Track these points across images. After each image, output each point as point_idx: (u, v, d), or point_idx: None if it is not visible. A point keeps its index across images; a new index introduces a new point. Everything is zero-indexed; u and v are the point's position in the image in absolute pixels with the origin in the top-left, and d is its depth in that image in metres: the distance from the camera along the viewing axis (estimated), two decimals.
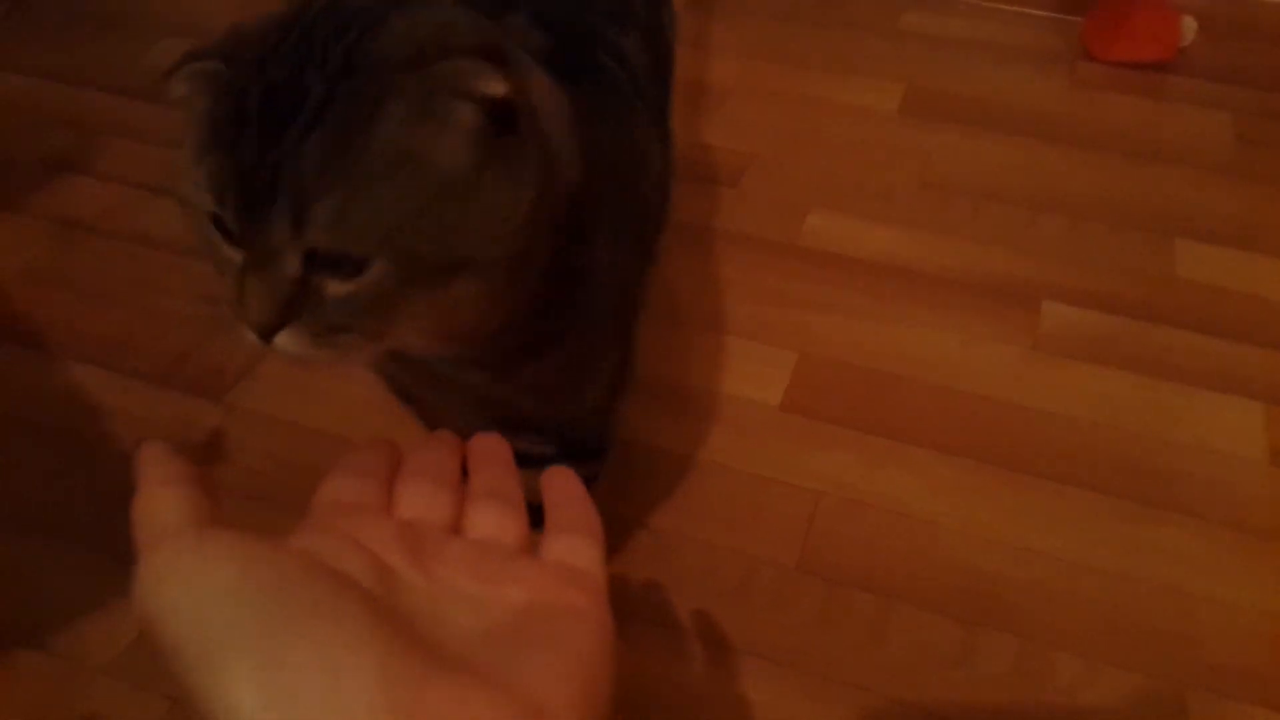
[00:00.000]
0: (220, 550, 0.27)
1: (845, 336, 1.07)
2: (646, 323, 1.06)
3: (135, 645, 0.81)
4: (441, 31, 0.44)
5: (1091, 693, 0.79)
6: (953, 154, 1.33)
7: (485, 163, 0.44)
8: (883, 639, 0.82)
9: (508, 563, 0.34)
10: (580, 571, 0.35)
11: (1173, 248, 1.18)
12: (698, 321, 1.08)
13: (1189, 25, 1.50)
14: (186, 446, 0.95)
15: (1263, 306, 1.11)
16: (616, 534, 0.89)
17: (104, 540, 0.88)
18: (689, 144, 1.33)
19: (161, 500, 0.30)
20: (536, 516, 0.38)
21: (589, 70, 0.66)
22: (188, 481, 0.31)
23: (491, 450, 0.40)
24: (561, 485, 0.40)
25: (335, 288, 0.43)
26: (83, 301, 1.11)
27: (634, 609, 0.84)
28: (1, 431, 0.97)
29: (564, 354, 0.61)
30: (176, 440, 0.95)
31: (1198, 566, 0.87)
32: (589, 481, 0.75)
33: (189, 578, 0.27)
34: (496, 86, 0.43)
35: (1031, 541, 0.89)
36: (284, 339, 0.44)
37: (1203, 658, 0.81)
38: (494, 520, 0.36)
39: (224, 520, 0.30)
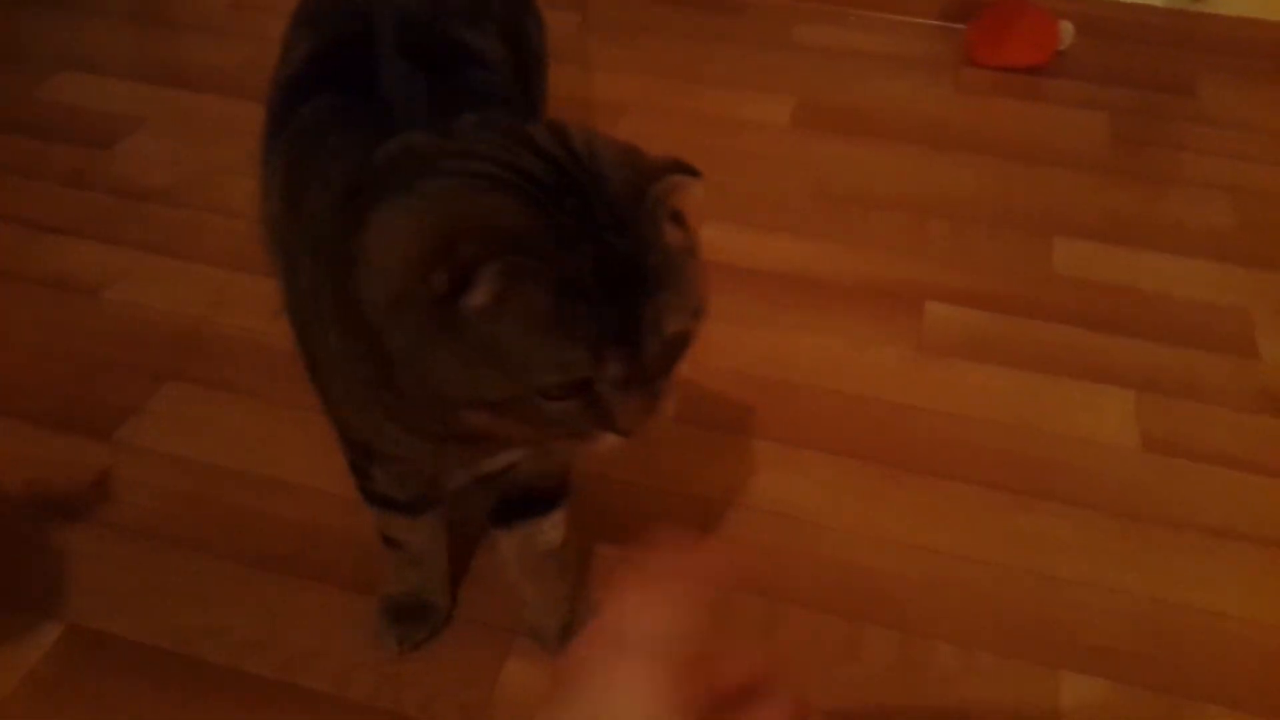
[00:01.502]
0: (657, 690, 0.29)
1: (737, 345, 1.09)
2: None
3: (19, 692, 0.79)
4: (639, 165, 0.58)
5: (972, 679, 0.82)
6: (843, 163, 1.36)
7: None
8: (771, 638, 0.84)
9: None
10: None
11: (1050, 245, 1.23)
12: None
13: (1067, 29, 1.55)
14: (75, 486, 0.94)
15: (1136, 298, 1.16)
16: None
17: None
18: None
19: (654, 614, 0.31)
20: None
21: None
22: (690, 597, 0.31)
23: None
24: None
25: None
26: None
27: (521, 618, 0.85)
28: None
29: None
30: (64, 480, 0.94)
31: (1075, 553, 0.91)
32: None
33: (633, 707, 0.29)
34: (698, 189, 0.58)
35: (916, 537, 0.92)
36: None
37: (1075, 639, 0.84)
38: None
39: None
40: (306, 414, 0.73)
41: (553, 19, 0.91)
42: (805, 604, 0.87)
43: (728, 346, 1.09)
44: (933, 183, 1.33)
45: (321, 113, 0.67)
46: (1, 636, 0.82)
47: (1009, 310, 1.14)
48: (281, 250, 0.68)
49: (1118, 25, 1.67)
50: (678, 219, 0.58)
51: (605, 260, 0.51)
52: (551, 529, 0.81)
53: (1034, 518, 0.94)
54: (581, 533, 0.91)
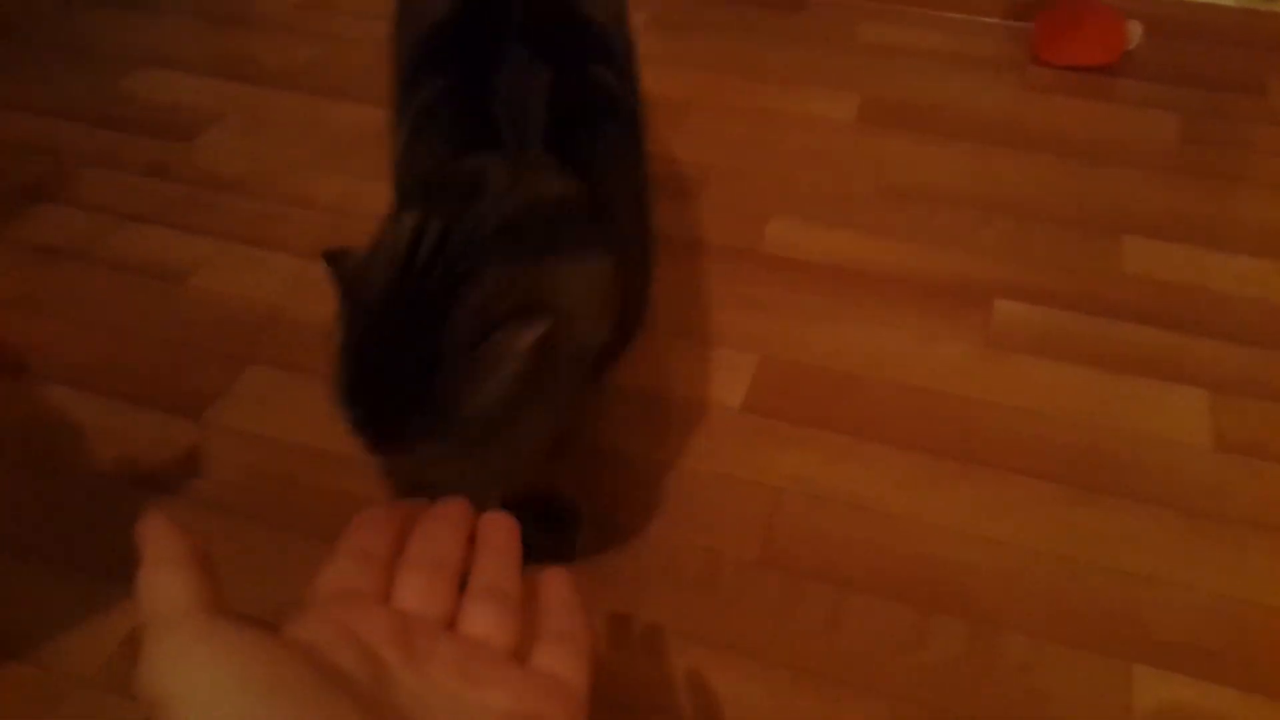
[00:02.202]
0: (226, 642, 0.29)
1: (804, 338, 1.10)
2: None
3: (116, 658, 0.83)
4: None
5: (1043, 670, 0.82)
6: (908, 160, 1.37)
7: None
8: (840, 627, 0.85)
9: (496, 667, 0.35)
10: (565, 684, 0.36)
11: (1120, 244, 1.22)
12: (661, 327, 1.12)
13: (1135, 29, 1.54)
14: (165, 463, 0.97)
15: (1207, 298, 1.15)
16: (584, 537, 0.91)
17: (84, 557, 0.90)
18: (652, 157, 1.36)
19: (166, 581, 0.31)
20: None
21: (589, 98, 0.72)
22: (191, 561, 0.32)
23: (499, 535, 0.41)
24: (556, 589, 0.40)
25: None
26: (61, 326, 1.13)
27: (601, 602, 0.86)
28: None
29: None
30: (154, 456, 0.98)
31: (1146, 549, 0.91)
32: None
33: (196, 668, 0.28)
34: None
35: (983, 529, 0.92)
36: None
37: (1149, 635, 0.84)
38: (489, 620, 0.36)
39: (224, 603, 0.31)
40: None
41: None
42: (874, 592, 0.87)
43: (793, 339, 1.10)
44: (1000, 180, 1.33)
45: (435, 98, 0.69)
46: (101, 603, 0.86)
47: (1078, 308, 1.14)
48: None
49: (1187, 24, 1.65)
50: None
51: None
52: None
53: (1104, 514, 0.94)
54: (646, 519, 0.93)
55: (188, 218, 1.27)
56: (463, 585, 0.39)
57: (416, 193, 0.62)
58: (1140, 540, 0.92)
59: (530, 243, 0.61)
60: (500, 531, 0.41)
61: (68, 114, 1.46)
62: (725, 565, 0.89)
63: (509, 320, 0.58)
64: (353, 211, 1.26)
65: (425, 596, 0.36)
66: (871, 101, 1.48)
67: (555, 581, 0.41)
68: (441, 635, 0.35)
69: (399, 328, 0.58)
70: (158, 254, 1.21)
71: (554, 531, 0.87)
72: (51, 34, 1.67)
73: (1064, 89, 1.50)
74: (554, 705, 0.34)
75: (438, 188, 0.62)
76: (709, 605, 0.86)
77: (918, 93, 1.50)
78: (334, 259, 0.61)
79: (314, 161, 1.37)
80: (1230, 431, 1.01)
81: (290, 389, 1.04)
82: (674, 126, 1.43)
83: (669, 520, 0.93)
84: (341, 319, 0.60)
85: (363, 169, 1.31)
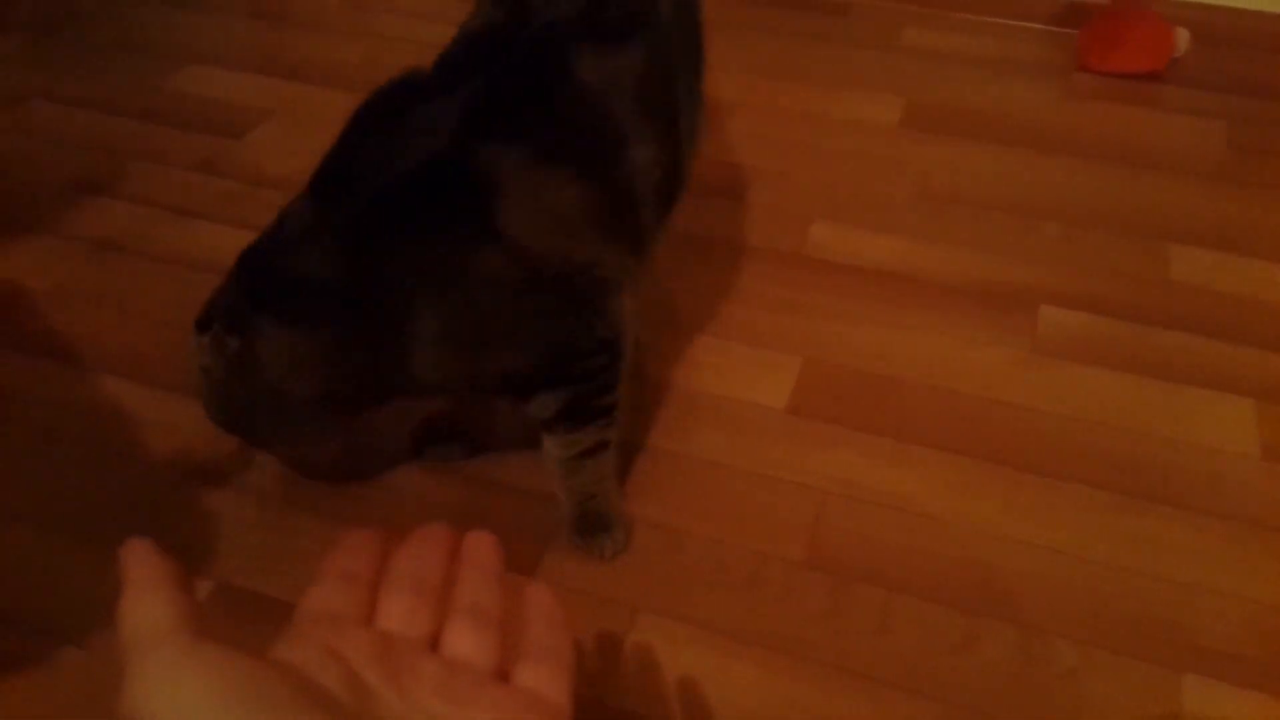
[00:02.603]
0: (209, 664, 0.30)
1: (849, 341, 1.11)
2: (657, 330, 1.10)
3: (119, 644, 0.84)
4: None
5: (1091, 676, 0.82)
6: (952, 165, 1.37)
7: None
8: (889, 629, 0.85)
9: (478, 687, 0.35)
10: (548, 703, 0.36)
11: (1166, 252, 1.22)
12: (706, 328, 1.12)
13: (1182, 36, 1.53)
14: (215, 454, 0.99)
15: (1254, 307, 1.15)
16: (630, 534, 0.92)
17: None
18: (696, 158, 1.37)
19: (149, 604, 0.32)
20: None
21: None
22: (174, 584, 0.33)
23: (482, 554, 0.41)
24: (539, 604, 0.40)
25: None
26: (112, 317, 1.15)
27: (647, 601, 0.87)
28: (38, 441, 1.01)
29: None
30: (205, 447, 0.99)
31: (1193, 557, 0.91)
32: (599, 450, 0.86)
33: (179, 690, 0.29)
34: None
35: (1030, 535, 0.92)
36: None
37: (1196, 643, 0.84)
38: (471, 640, 0.37)
39: (207, 625, 0.32)
40: None
41: None
42: (921, 596, 0.88)
43: (837, 342, 1.10)
44: (1044, 186, 1.33)
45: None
46: None
47: (1125, 316, 1.13)
48: None
49: (1235, 32, 1.64)
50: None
51: None
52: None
53: (1151, 521, 0.94)
54: (692, 518, 0.93)
55: (237, 213, 1.29)
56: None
57: None
58: (1188, 549, 0.91)
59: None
60: (483, 549, 0.41)
61: (119, 109, 1.49)
62: (772, 566, 0.90)
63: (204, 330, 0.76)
64: None
65: (408, 617, 0.37)
66: (915, 105, 1.48)
67: (539, 596, 0.41)
68: (424, 655, 0.35)
69: None
70: (207, 248, 1.23)
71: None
72: (103, 30, 1.69)
73: (1110, 96, 1.50)
74: None
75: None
76: (756, 605, 0.87)
77: (961, 97, 1.50)
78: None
79: None
80: (1277, 441, 1.00)
81: None
82: (718, 128, 1.44)
83: (715, 520, 0.93)
84: None
85: None
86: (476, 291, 0.72)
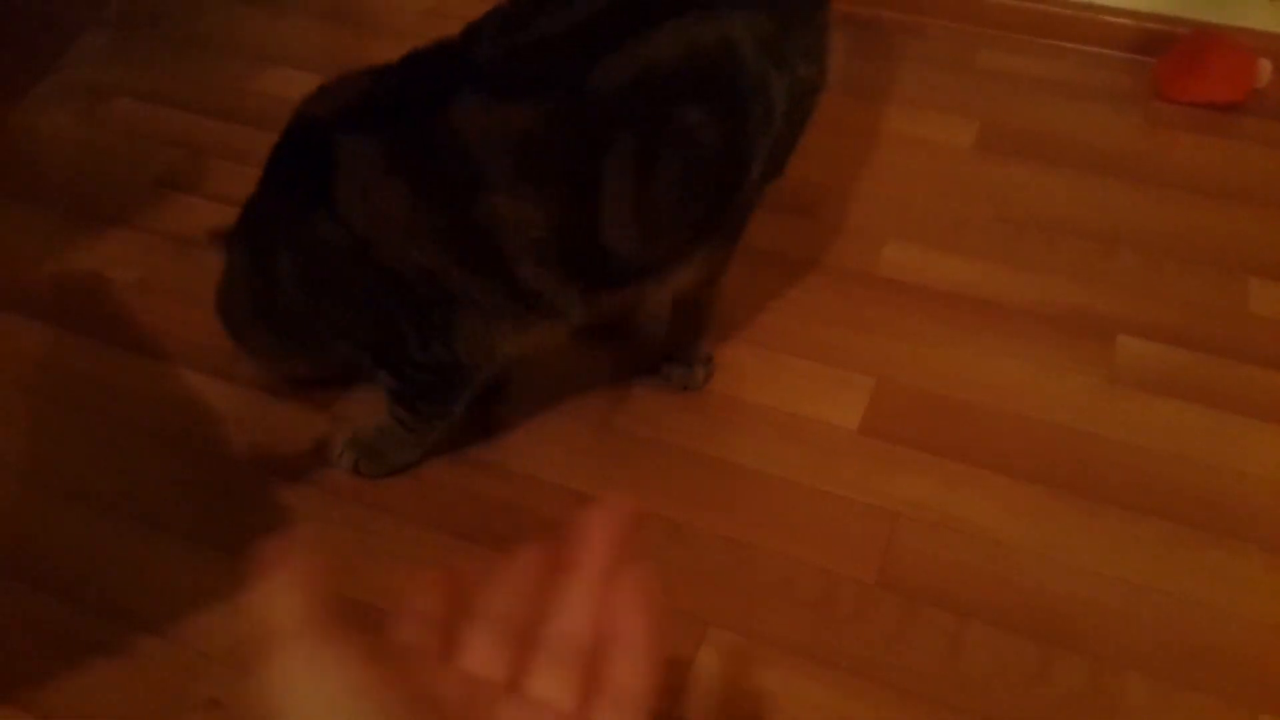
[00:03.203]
0: (340, 664, 0.30)
1: (922, 363, 1.10)
2: (730, 345, 1.11)
3: (247, 637, 0.86)
4: None
5: (1164, 713, 0.81)
6: (1027, 189, 1.36)
7: None
8: (959, 655, 0.85)
9: None
10: None
11: (1245, 285, 1.20)
12: (779, 346, 1.12)
13: (1264, 67, 1.51)
14: (297, 450, 1.00)
15: None
16: (702, 547, 0.93)
17: (218, 536, 0.94)
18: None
19: (288, 595, 0.32)
20: None
21: None
22: (314, 578, 0.33)
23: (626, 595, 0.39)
24: (630, 593, 0.39)
25: None
26: (193, 312, 1.17)
27: (718, 615, 0.87)
28: (121, 433, 1.04)
29: None
30: (279, 443, 1.01)
31: (1266, 594, 0.89)
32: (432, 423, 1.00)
33: (316, 687, 0.30)
34: None
35: (1103, 566, 0.91)
36: None
37: (1271, 683, 0.83)
38: (553, 680, 0.36)
39: (338, 617, 0.32)
40: None
41: None
42: (993, 623, 0.87)
43: (910, 364, 1.10)
44: (1121, 214, 1.31)
45: None
46: (234, 582, 0.88)
47: (1203, 348, 1.12)
48: None
49: None
50: None
51: None
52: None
53: (1228, 557, 0.92)
54: (763, 534, 0.93)
55: None
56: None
57: None
58: (1264, 586, 0.90)
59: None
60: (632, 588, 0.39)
61: (202, 108, 1.52)
62: (843, 586, 0.90)
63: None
64: None
65: (488, 657, 0.36)
66: (990, 128, 1.47)
67: (632, 583, 0.39)
68: (504, 701, 0.35)
69: None
70: None
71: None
72: (187, 28, 1.73)
73: (1188, 125, 1.48)
74: None
75: None
76: (826, 624, 0.87)
77: (1037, 121, 1.48)
78: None
79: None
80: None
81: None
82: None
83: (785, 537, 0.93)
84: None
85: None
86: (313, 247, 0.85)
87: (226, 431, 1.04)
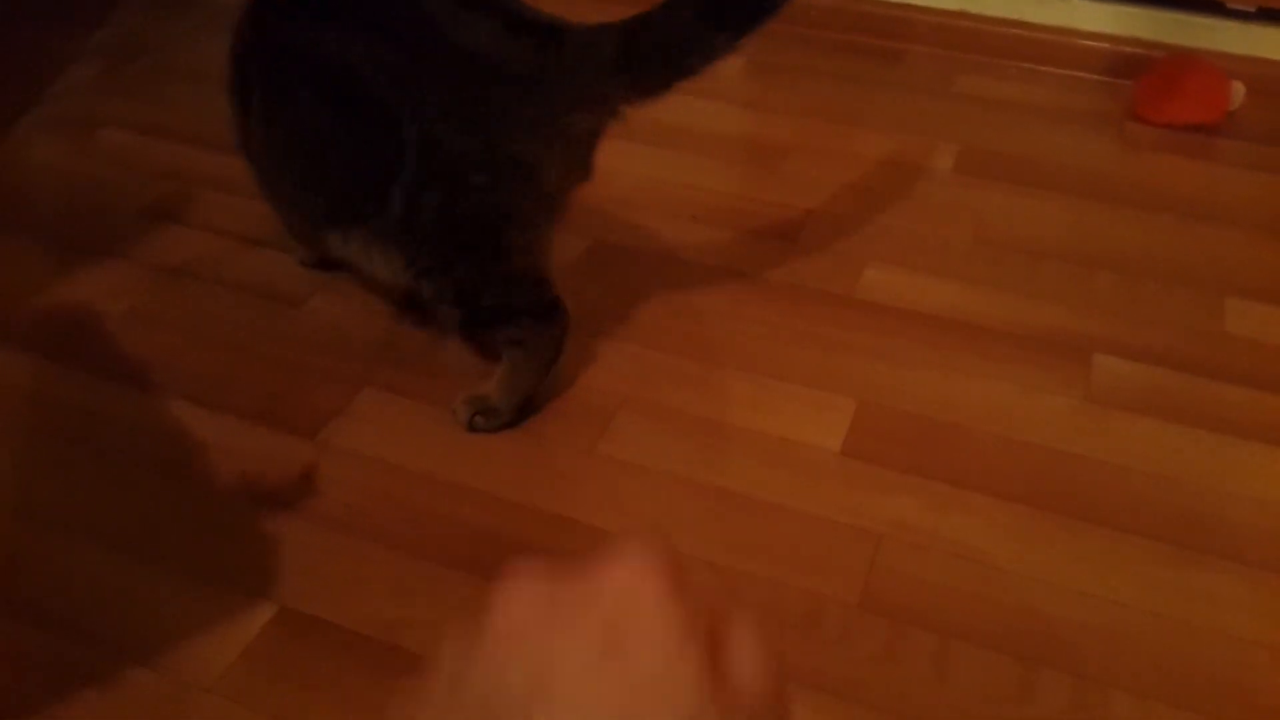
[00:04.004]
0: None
1: (903, 385, 1.11)
2: (711, 369, 1.12)
3: (237, 665, 0.86)
4: None
5: None
6: (1006, 212, 1.38)
7: None
8: (944, 676, 0.86)
9: None
10: None
11: (1222, 305, 1.22)
12: (761, 369, 1.14)
13: (1238, 90, 1.54)
14: (282, 479, 1.01)
15: None
16: (686, 570, 0.93)
17: (206, 567, 0.94)
18: (751, 199, 1.39)
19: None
20: None
21: None
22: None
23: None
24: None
25: None
26: (183, 342, 1.18)
27: None
28: (110, 464, 1.04)
29: None
30: (273, 473, 1.02)
31: (1249, 612, 0.90)
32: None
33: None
34: None
35: (1086, 585, 0.92)
36: None
37: (1256, 701, 0.84)
38: None
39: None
40: None
41: None
42: (977, 642, 0.88)
43: (891, 386, 1.11)
44: (1098, 236, 1.33)
45: None
46: (223, 612, 0.89)
47: (1180, 367, 1.14)
48: None
49: None
50: None
51: None
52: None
53: (1209, 575, 0.93)
54: (746, 557, 0.94)
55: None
56: None
57: None
58: (1246, 604, 0.91)
59: None
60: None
61: (191, 139, 1.53)
62: (828, 607, 0.90)
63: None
64: None
65: None
66: (968, 152, 1.49)
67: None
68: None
69: None
70: (277, 277, 1.26)
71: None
72: (176, 59, 1.75)
73: (1164, 147, 1.50)
74: None
75: None
76: (811, 647, 0.88)
77: (1015, 145, 1.51)
78: None
79: None
80: None
81: (405, 412, 1.08)
82: (772, 170, 1.46)
83: (769, 559, 0.94)
84: None
85: None
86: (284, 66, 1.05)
87: (215, 462, 1.04)
